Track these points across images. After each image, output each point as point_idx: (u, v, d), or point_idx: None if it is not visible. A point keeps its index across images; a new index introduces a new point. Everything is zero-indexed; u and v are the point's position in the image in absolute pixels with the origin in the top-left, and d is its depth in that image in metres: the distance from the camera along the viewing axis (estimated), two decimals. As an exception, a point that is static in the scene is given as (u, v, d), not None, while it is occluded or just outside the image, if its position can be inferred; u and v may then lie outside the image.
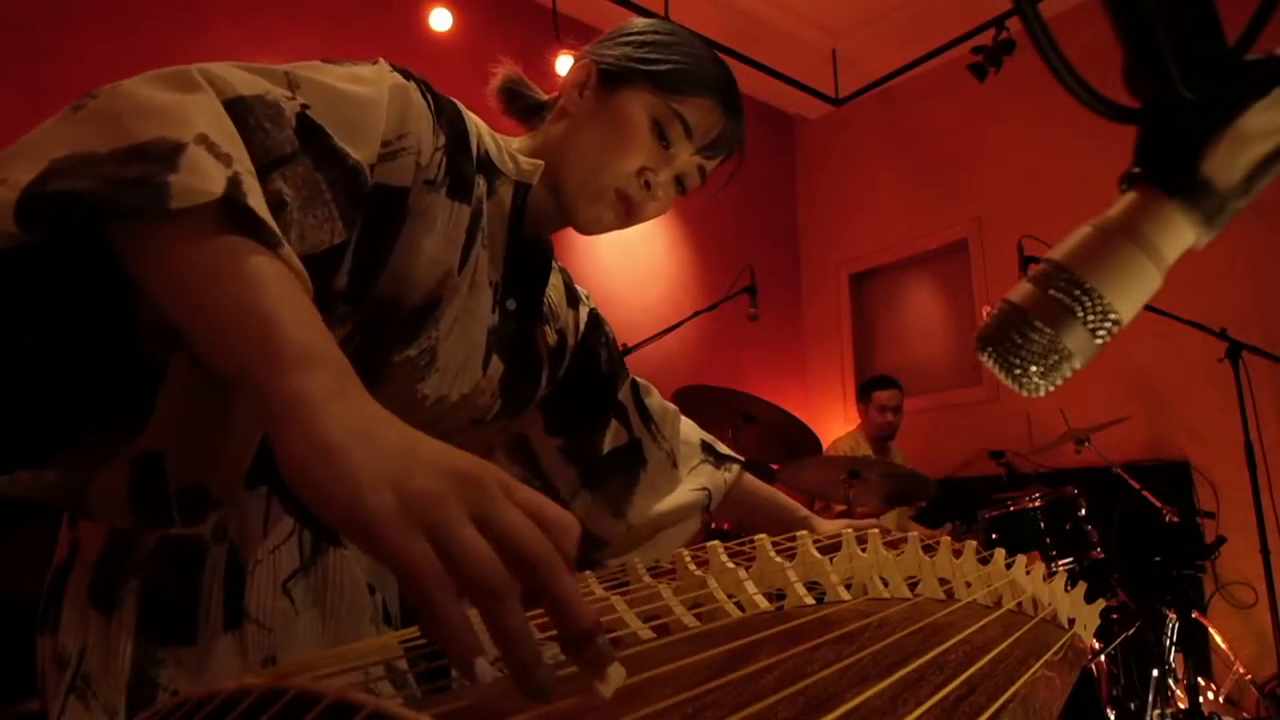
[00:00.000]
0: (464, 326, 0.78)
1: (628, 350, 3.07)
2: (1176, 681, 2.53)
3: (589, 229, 0.87)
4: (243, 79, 0.58)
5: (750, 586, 0.58)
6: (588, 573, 0.58)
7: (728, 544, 0.66)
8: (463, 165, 0.75)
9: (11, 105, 2.53)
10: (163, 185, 0.45)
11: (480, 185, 0.78)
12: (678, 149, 0.84)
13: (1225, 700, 2.88)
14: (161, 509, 0.63)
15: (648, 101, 0.82)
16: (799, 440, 3.03)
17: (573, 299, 1.01)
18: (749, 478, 1.10)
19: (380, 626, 0.72)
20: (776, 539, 0.73)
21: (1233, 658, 2.84)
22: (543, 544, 0.35)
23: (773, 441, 3.12)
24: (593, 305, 1.04)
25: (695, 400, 2.99)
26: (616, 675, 0.34)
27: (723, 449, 1.11)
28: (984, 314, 0.48)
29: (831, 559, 0.69)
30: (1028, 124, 4.08)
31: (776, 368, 4.82)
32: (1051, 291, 0.43)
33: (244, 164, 0.51)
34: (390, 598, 0.74)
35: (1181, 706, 2.49)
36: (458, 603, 0.33)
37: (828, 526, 1.06)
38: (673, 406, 1.10)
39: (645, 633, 0.49)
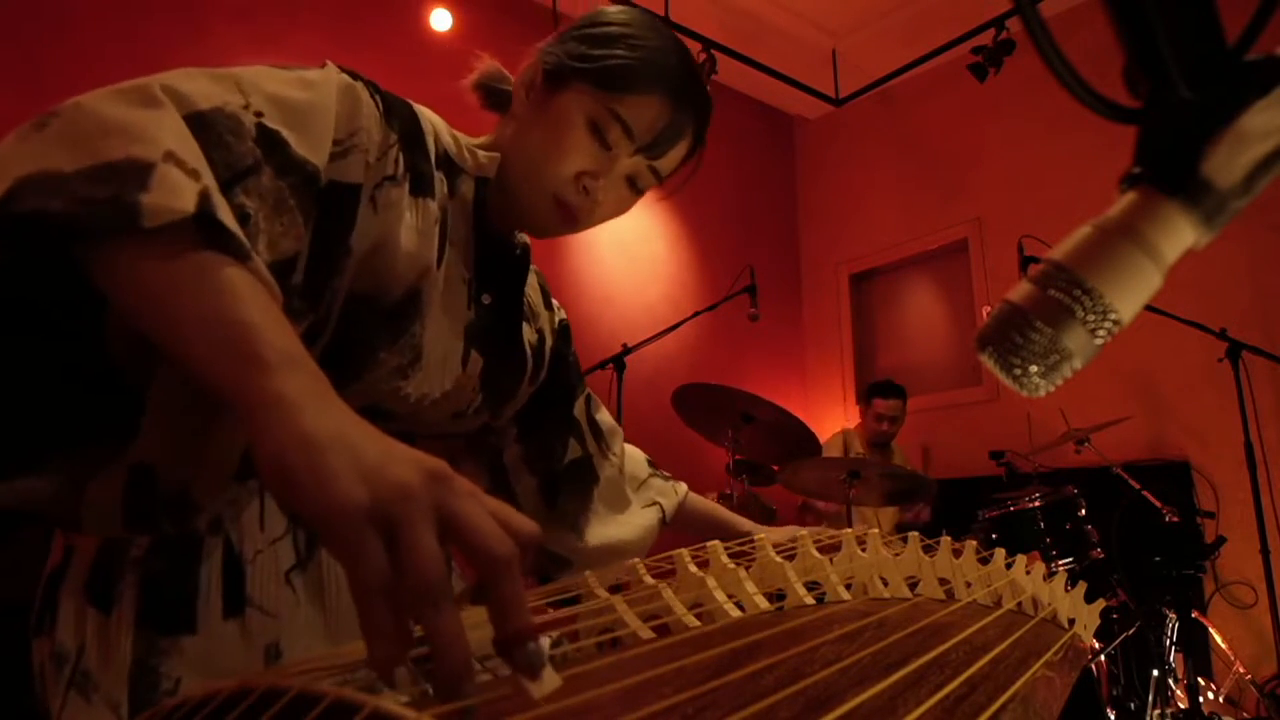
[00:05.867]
0: (439, 324, 0.78)
1: (628, 350, 3.07)
2: (1176, 681, 2.53)
3: (536, 233, 0.85)
4: (201, 91, 0.58)
5: (750, 586, 0.58)
6: (587, 573, 0.58)
7: (728, 544, 0.66)
8: (420, 163, 0.75)
9: (12, 106, 2.53)
10: (134, 204, 0.46)
11: (442, 183, 0.78)
12: (619, 151, 0.79)
13: (1225, 700, 2.88)
14: (151, 517, 0.64)
15: (585, 103, 0.78)
16: (798, 440, 3.03)
17: (548, 302, 1.01)
18: (694, 495, 1.12)
19: None
20: (777, 540, 0.73)
21: (1233, 658, 2.84)
22: (503, 543, 0.36)
23: (772, 441, 3.11)
24: (564, 316, 1.04)
25: (695, 400, 2.98)
26: (550, 682, 0.34)
27: (665, 473, 1.12)
28: (984, 314, 0.48)
29: (831, 559, 0.69)
30: (1028, 124, 4.07)
31: (776, 368, 4.82)
32: (1051, 291, 0.43)
33: (210, 179, 0.52)
34: None
35: (1181, 706, 2.49)
36: (389, 609, 0.34)
37: (778, 535, 1.06)
38: (619, 427, 1.11)
39: (645, 633, 0.49)
